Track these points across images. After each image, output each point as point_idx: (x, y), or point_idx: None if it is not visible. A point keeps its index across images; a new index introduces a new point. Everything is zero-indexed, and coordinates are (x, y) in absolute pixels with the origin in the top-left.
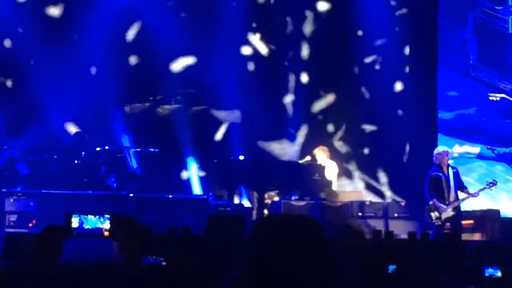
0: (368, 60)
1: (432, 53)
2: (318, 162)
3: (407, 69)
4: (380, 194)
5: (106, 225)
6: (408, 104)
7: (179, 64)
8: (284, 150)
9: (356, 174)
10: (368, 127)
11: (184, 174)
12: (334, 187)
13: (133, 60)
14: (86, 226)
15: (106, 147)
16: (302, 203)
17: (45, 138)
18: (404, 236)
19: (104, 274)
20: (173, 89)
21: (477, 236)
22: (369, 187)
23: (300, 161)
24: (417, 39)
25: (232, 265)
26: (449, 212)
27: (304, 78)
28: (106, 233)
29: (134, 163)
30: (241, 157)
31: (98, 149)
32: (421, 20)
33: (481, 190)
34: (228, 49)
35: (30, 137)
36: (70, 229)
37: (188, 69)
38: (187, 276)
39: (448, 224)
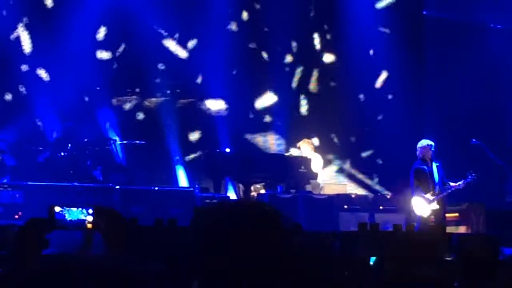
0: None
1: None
2: (303, 155)
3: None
4: (366, 186)
5: (89, 217)
6: (396, 95)
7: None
8: (269, 143)
9: (342, 166)
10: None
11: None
12: (320, 180)
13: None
14: (69, 218)
15: (93, 139)
16: (288, 195)
17: (31, 129)
18: (390, 228)
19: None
20: (160, 82)
21: (462, 229)
22: (355, 180)
23: (286, 154)
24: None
25: None
26: (434, 205)
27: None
28: (89, 225)
29: (119, 155)
30: (227, 150)
31: (85, 140)
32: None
33: (465, 181)
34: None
35: (16, 129)
36: (53, 221)
37: (174, 62)
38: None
39: (432, 217)
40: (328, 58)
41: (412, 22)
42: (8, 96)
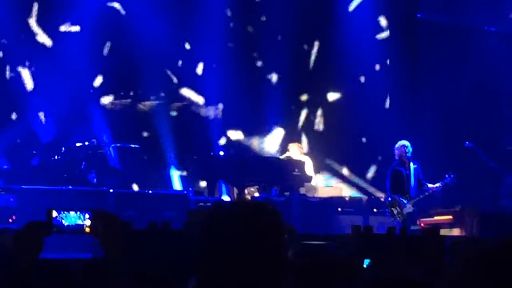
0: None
1: None
2: (293, 157)
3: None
4: (360, 189)
5: (87, 221)
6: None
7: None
8: (264, 145)
9: (336, 169)
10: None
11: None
12: (313, 182)
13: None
14: (66, 223)
15: (86, 143)
16: (282, 198)
17: (25, 133)
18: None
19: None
20: (154, 85)
21: (456, 232)
22: (349, 182)
23: (280, 157)
24: None
25: None
26: (409, 208)
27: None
28: (87, 230)
29: (113, 159)
30: (221, 153)
31: (78, 144)
32: None
33: (443, 183)
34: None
35: (10, 133)
36: (51, 225)
37: (169, 65)
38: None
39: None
40: (332, 96)
41: (407, 25)
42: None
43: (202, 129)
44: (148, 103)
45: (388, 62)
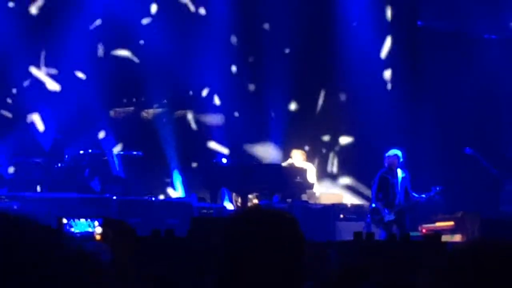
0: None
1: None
2: (296, 164)
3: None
4: (362, 196)
5: (97, 228)
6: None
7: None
8: (267, 153)
9: (339, 175)
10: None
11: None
12: (315, 189)
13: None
14: (76, 230)
15: (90, 150)
16: (283, 205)
17: (29, 142)
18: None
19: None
20: (157, 92)
21: (457, 238)
22: (351, 189)
23: (283, 164)
24: None
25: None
26: (390, 216)
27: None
28: (98, 237)
29: (117, 166)
30: (224, 160)
31: (81, 152)
32: None
33: (428, 195)
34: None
35: (14, 141)
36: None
37: (172, 72)
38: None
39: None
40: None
41: (407, 33)
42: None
43: (205, 136)
44: (151, 110)
45: (390, 86)
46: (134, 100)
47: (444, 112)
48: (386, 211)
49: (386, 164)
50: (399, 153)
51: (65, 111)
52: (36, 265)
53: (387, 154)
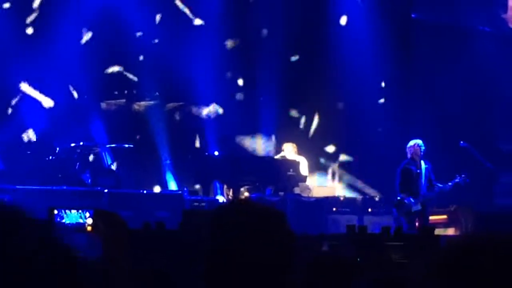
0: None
1: None
2: (288, 157)
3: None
4: (356, 189)
5: (88, 220)
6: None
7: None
8: (259, 145)
9: (331, 168)
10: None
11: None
12: (308, 182)
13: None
14: (67, 221)
15: (81, 143)
16: (276, 198)
17: (19, 134)
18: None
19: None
20: (149, 85)
21: (451, 231)
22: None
23: (275, 157)
24: None
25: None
26: (417, 206)
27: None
28: (89, 228)
29: (108, 159)
30: (216, 153)
31: (72, 144)
32: None
33: (453, 182)
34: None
35: (4, 133)
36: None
37: (164, 65)
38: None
39: (416, 218)
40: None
41: (400, 25)
42: None
43: (196, 129)
44: (143, 103)
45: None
46: (125, 92)
47: (438, 105)
48: (412, 201)
49: (408, 155)
50: (420, 142)
51: (56, 103)
52: (25, 257)
53: (408, 145)
